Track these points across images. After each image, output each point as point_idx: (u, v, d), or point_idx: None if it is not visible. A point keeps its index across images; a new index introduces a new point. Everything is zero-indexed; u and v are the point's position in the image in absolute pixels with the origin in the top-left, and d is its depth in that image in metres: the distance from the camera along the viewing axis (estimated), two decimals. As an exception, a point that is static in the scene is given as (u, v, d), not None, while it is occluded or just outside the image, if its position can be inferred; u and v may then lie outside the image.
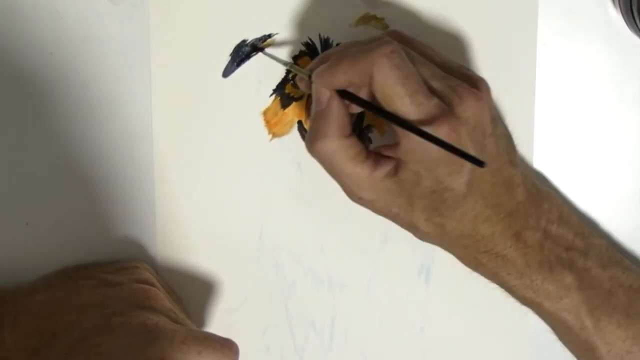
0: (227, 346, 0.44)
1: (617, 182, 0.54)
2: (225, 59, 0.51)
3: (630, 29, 0.51)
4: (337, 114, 0.45)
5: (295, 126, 0.52)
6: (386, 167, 0.46)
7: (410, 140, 0.44)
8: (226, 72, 0.52)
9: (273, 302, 0.54)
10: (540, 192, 0.49)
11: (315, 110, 0.46)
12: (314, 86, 0.46)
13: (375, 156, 0.46)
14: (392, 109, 0.44)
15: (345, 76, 0.45)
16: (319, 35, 0.52)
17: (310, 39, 0.52)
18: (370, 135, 0.53)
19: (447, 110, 0.44)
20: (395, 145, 0.45)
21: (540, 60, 0.52)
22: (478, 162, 0.42)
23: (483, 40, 0.52)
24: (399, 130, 0.44)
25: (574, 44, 0.52)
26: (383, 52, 0.43)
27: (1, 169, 0.51)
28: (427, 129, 0.43)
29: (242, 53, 0.51)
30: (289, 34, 0.51)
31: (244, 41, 0.51)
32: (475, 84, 0.46)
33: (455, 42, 0.52)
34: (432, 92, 0.44)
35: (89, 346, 0.43)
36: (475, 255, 0.48)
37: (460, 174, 0.45)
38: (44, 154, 0.51)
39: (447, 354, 0.55)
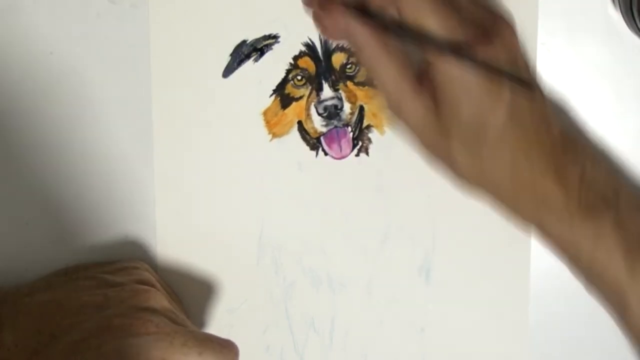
0: (227, 347, 0.44)
1: None
2: (226, 59, 0.51)
3: (630, 29, 0.51)
4: (376, 46, 0.43)
5: (295, 126, 0.52)
6: (430, 89, 0.44)
7: (446, 72, 0.43)
8: (226, 72, 0.52)
9: (273, 302, 0.54)
10: (570, 132, 0.48)
11: (360, 56, 0.44)
12: (348, 28, 0.43)
13: (421, 78, 0.45)
14: (420, 23, 0.42)
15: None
16: (319, 35, 0.52)
17: (310, 40, 0.52)
18: (370, 135, 0.53)
19: (481, 36, 0.43)
20: (431, 72, 0.44)
21: (540, 60, 0.52)
22: (525, 84, 0.41)
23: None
24: (434, 63, 0.43)
25: (573, 43, 0.52)
26: None
27: (1, 168, 0.50)
28: (459, 36, 0.42)
29: (242, 53, 0.51)
30: (289, 34, 0.51)
31: (244, 41, 0.51)
32: (507, 20, 0.44)
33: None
34: (467, 17, 0.43)
35: (89, 347, 0.43)
36: (514, 195, 0.47)
37: (500, 106, 0.44)
38: (43, 153, 0.51)
39: (447, 354, 0.55)
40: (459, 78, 0.43)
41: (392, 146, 0.53)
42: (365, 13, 0.43)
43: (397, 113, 0.45)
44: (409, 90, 0.44)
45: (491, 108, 0.44)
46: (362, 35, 0.43)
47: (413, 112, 0.45)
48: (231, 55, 0.51)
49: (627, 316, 0.47)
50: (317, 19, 0.45)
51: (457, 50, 0.41)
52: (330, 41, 0.52)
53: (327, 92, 0.52)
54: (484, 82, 0.43)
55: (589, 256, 0.47)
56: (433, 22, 0.42)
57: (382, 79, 0.44)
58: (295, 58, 0.52)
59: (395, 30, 0.43)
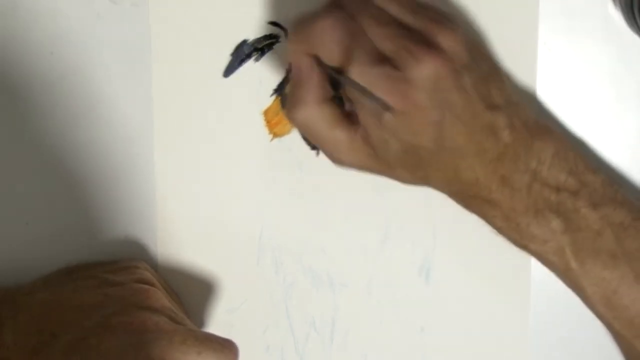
0: (227, 346, 0.44)
1: (617, 182, 0.54)
2: (226, 58, 0.51)
3: (630, 29, 0.51)
4: (314, 80, 0.44)
5: (296, 126, 0.52)
6: (361, 130, 0.45)
7: (362, 109, 0.44)
8: (227, 72, 0.52)
9: (273, 302, 0.54)
10: (532, 130, 0.47)
11: (293, 77, 0.45)
12: (288, 52, 0.45)
13: (355, 119, 0.46)
14: (343, 78, 0.44)
15: (298, 44, 0.44)
16: (320, 35, 0.52)
17: (310, 39, 0.52)
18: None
19: (396, 76, 0.43)
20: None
21: (540, 60, 0.52)
22: (385, 106, 0.42)
23: (484, 39, 0.52)
24: (353, 101, 0.44)
25: (574, 43, 0.52)
26: (323, 27, 0.43)
27: (1, 168, 0.50)
28: (377, 99, 0.43)
29: (243, 53, 0.51)
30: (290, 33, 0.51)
31: (244, 41, 0.51)
32: (439, 35, 0.44)
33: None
34: (384, 55, 0.43)
35: (89, 346, 0.43)
36: (463, 199, 0.48)
37: (425, 132, 0.44)
38: (44, 153, 0.51)
39: (447, 353, 0.55)
40: (375, 120, 0.44)
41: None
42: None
43: (337, 160, 0.47)
44: (342, 135, 0.46)
45: (417, 138, 0.44)
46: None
47: (350, 154, 0.46)
48: (232, 54, 0.51)
49: (584, 297, 0.48)
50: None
51: (371, 96, 0.43)
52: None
53: (327, 91, 0.52)
54: (399, 118, 0.43)
55: (539, 255, 0.48)
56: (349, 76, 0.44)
57: (317, 131, 0.46)
58: (296, 57, 0.52)
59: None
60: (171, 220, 0.52)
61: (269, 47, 0.51)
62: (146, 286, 0.47)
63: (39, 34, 0.50)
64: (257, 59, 0.51)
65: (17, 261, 0.51)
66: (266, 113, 0.52)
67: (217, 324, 0.53)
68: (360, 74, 0.43)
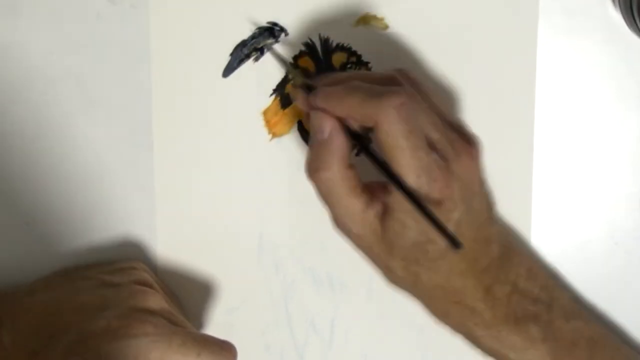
0: (226, 348, 0.44)
1: (618, 182, 0.54)
2: (225, 58, 0.51)
3: (630, 29, 0.51)
4: (339, 145, 0.45)
5: (295, 126, 0.52)
6: (377, 207, 0.45)
7: (403, 203, 0.44)
8: (226, 72, 0.52)
9: (273, 302, 0.54)
10: (512, 246, 0.50)
11: (317, 139, 0.45)
12: (315, 113, 0.45)
13: (370, 191, 0.46)
14: (390, 157, 0.43)
15: (350, 111, 0.44)
16: (319, 35, 0.52)
17: (310, 39, 0.52)
18: (370, 134, 0.52)
19: (443, 165, 0.44)
20: (385, 189, 0.45)
21: (540, 60, 0.52)
22: (455, 243, 0.42)
23: (483, 39, 0.52)
24: (393, 192, 0.44)
25: (574, 43, 0.52)
26: (393, 104, 0.43)
27: (1, 168, 0.51)
28: (422, 182, 0.43)
29: (242, 53, 0.51)
30: (289, 33, 0.51)
31: (244, 41, 0.51)
32: (470, 141, 0.46)
33: (456, 42, 0.52)
34: (432, 144, 0.44)
35: (87, 347, 0.43)
36: (444, 306, 0.48)
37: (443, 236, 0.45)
38: (44, 153, 0.51)
39: (447, 354, 0.55)
40: (412, 211, 0.44)
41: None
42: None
43: (343, 226, 0.46)
44: (359, 205, 0.45)
45: (434, 238, 0.45)
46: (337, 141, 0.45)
47: (360, 224, 0.46)
48: (231, 54, 0.51)
49: None
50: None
51: (419, 178, 0.43)
52: (330, 40, 0.52)
53: (327, 91, 0.52)
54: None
55: None
56: (402, 157, 0.43)
57: (336, 195, 0.45)
58: (295, 58, 0.52)
59: (367, 152, 0.45)
60: (171, 220, 0.52)
61: (268, 47, 0.51)
62: (144, 288, 0.47)
63: (39, 34, 0.50)
64: (256, 59, 0.51)
65: (17, 261, 0.51)
66: (266, 113, 0.52)
67: (217, 324, 0.53)
68: (417, 158, 0.43)
